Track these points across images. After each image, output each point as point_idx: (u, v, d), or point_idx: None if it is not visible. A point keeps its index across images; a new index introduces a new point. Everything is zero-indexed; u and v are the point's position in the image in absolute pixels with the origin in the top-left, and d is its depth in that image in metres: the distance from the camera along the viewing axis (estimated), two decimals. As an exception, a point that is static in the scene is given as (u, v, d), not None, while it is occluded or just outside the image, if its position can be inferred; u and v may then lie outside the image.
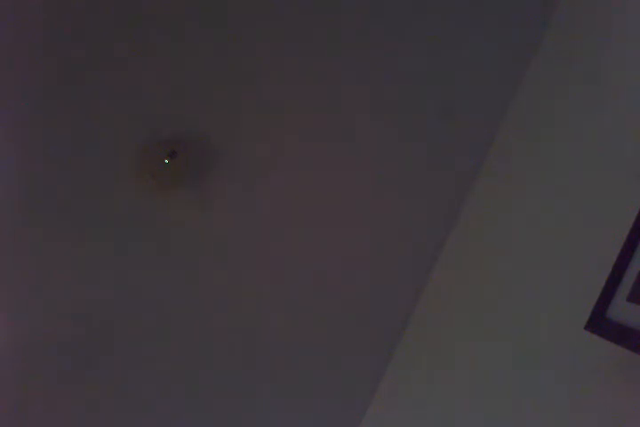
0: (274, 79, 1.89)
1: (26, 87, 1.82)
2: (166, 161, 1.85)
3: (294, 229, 1.94)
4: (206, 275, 1.94)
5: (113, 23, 1.82)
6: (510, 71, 1.93)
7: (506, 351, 1.39)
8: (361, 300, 1.98)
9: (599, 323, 1.01)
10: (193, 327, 1.95)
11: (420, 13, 1.90)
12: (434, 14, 1.90)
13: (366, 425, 1.99)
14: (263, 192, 1.92)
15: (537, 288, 1.38)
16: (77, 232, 1.88)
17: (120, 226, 1.89)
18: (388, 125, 1.93)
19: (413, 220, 1.97)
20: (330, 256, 1.96)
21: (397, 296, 1.99)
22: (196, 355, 1.96)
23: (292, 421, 2.01)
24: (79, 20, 1.81)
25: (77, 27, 1.81)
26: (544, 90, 1.76)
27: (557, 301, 1.28)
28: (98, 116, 1.85)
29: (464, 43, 1.92)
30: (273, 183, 1.92)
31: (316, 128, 1.92)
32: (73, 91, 1.83)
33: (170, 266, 1.92)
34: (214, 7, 1.85)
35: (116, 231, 1.89)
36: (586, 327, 1.04)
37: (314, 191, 1.94)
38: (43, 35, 1.80)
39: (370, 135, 1.93)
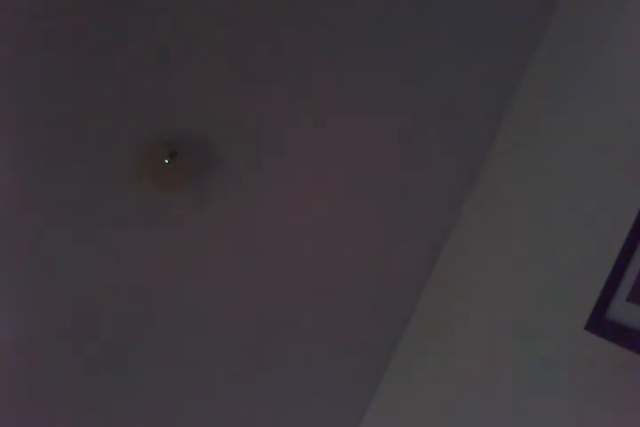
0: (274, 79, 1.89)
1: (26, 87, 1.82)
2: (166, 161, 1.85)
3: (294, 228, 1.94)
4: (206, 275, 1.94)
5: (112, 23, 1.82)
6: (510, 71, 1.93)
7: (506, 352, 1.39)
8: (361, 300, 1.98)
9: (599, 323, 1.01)
10: (193, 327, 1.95)
11: (419, 13, 1.90)
12: (434, 14, 1.91)
13: (366, 425, 2.00)
14: (263, 192, 1.93)
15: (537, 288, 1.38)
16: (77, 232, 1.88)
17: (120, 226, 1.89)
18: (389, 125, 1.93)
19: (413, 219, 1.97)
20: (330, 256, 1.96)
21: (397, 296, 1.99)
22: (196, 354, 1.97)
23: (292, 421, 2.01)
24: (79, 20, 1.81)
25: (77, 26, 1.82)
26: (544, 90, 1.76)
27: (557, 301, 1.28)
28: (98, 116, 1.85)
29: (464, 42, 1.92)
30: (273, 183, 1.93)
31: (317, 128, 1.92)
32: (73, 90, 1.84)
33: (170, 266, 1.92)
34: (214, 6, 1.85)
35: (115, 231, 1.89)
36: (586, 327, 1.04)
37: (314, 191, 1.94)
38: (43, 34, 1.80)
39: (370, 135, 1.93)
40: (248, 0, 1.86)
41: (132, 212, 1.89)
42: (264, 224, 1.94)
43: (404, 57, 1.92)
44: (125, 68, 1.84)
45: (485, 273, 1.65)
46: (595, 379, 1.06)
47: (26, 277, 1.88)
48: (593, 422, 1.02)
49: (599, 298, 1.03)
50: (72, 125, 1.85)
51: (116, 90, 1.85)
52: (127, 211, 1.89)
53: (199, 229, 1.92)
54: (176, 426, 1.99)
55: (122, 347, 1.94)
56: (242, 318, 1.97)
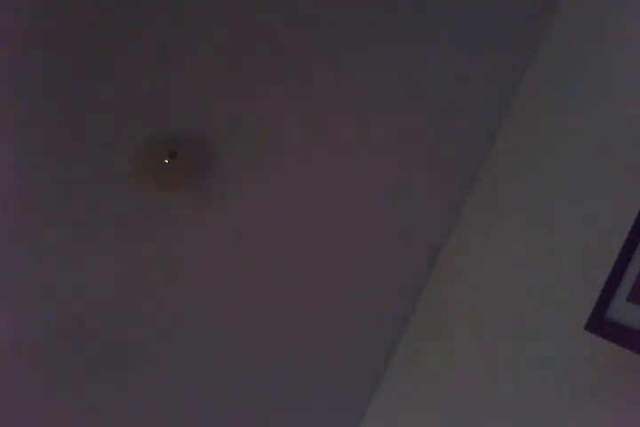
0: (274, 79, 1.89)
1: (26, 87, 1.82)
2: (166, 161, 1.85)
3: (294, 229, 1.94)
4: (206, 274, 1.94)
5: (112, 23, 1.82)
6: (510, 71, 1.93)
7: (506, 352, 1.39)
8: (361, 300, 1.98)
9: (599, 323, 1.01)
10: (193, 327, 1.95)
11: (419, 13, 1.90)
12: (434, 14, 1.91)
13: (366, 425, 1.99)
14: (263, 192, 1.92)
15: (537, 288, 1.37)
16: (77, 232, 1.88)
17: (120, 226, 1.89)
18: (388, 125, 1.93)
19: (413, 220, 1.97)
20: (329, 256, 1.96)
21: (397, 296, 1.99)
22: (196, 354, 1.96)
23: (293, 421, 2.01)
24: (79, 20, 1.81)
25: (77, 26, 1.81)
26: (544, 90, 1.76)
27: (557, 301, 1.28)
28: (98, 116, 1.85)
29: (464, 42, 1.92)
30: (273, 183, 1.92)
31: (317, 128, 1.92)
32: (73, 90, 1.84)
33: (170, 266, 1.92)
34: (214, 6, 1.85)
35: (116, 231, 1.89)
36: (586, 327, 1.04)
37: (314, 192, 1.94)
38: (43, 34, 1.80)
39: (370, 135, 1.93)
40: (248, 0, 1.86)
41: (132, 212, 1.89)
42: (264, 224, 1.94)
43: (403, 57, 1.92)
44: (125, 68, 1.84)
45: (485, 273, 1.65)
46: (595, 379, 1.06)
47: (26, 278, 1.88)
48: (593, 422, 1.02)
49: (599, 298, 1.03)
50: (72, 125, 1.85)
51: (115, 90, 1.85)
52: (127, 211, 1.89)
53: (199, 229, 1.92)
54: (176, 426, 1.99)
55: (122, 347, 1.94)
56: (242, 318, 1.96)
